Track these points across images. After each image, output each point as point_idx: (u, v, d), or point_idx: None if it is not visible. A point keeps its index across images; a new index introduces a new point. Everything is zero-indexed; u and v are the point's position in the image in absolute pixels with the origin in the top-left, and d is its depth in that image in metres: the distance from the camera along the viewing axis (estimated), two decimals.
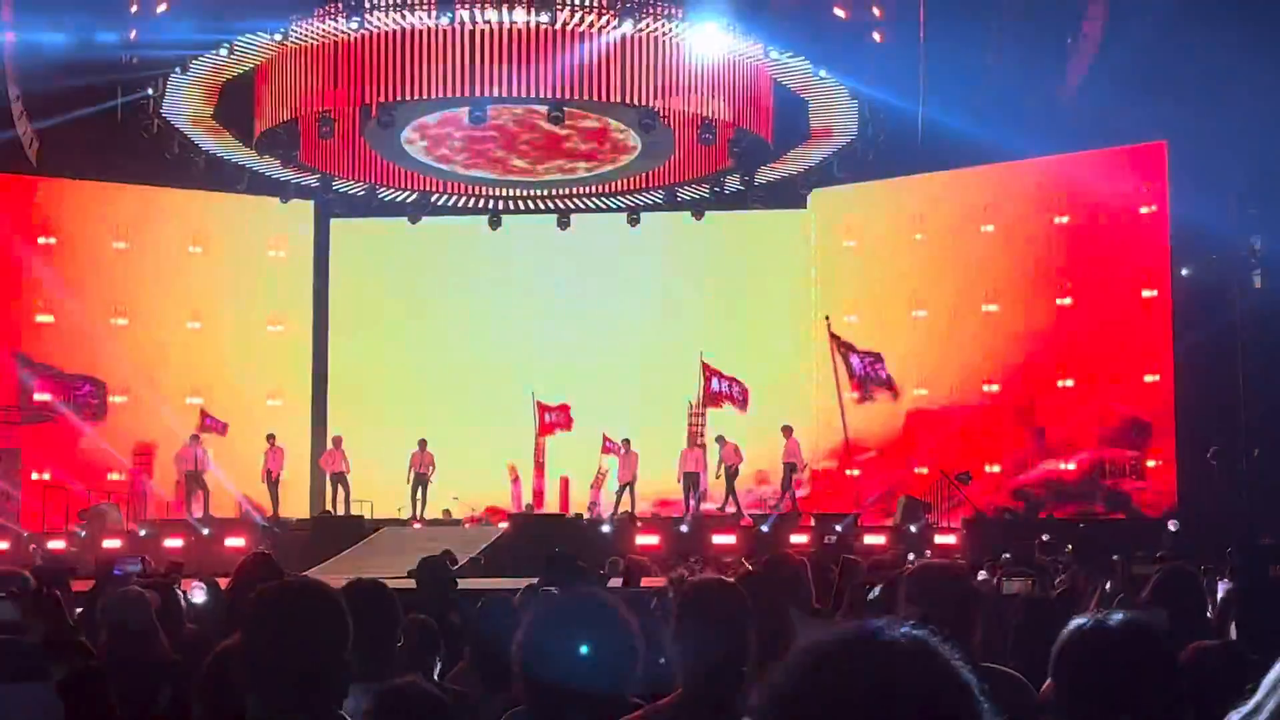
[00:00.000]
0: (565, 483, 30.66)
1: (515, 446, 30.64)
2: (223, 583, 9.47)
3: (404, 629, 5.21)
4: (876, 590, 6.86)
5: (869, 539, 24.06)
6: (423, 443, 29.85)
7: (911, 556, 14.57)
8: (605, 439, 30.23)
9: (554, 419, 30.69)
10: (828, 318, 31.83)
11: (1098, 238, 28.74)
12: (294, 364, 33.38)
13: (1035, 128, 27.56)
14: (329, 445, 30.61)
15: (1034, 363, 29.04)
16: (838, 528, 25.03)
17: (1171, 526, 22.89)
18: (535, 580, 10.70)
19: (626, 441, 29.37)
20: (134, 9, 25.53)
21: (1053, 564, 15.23)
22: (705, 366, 31.01)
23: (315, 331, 33.89)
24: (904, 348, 30.84)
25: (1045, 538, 20.50)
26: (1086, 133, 27.70)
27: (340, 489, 29.98)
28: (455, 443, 30.37)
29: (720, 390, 30.90)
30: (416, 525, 28.67)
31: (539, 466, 30.47)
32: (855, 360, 31.87)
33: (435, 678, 6.56)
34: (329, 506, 29.99)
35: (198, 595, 9.06)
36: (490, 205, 32.64)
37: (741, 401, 30.76)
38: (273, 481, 29.92)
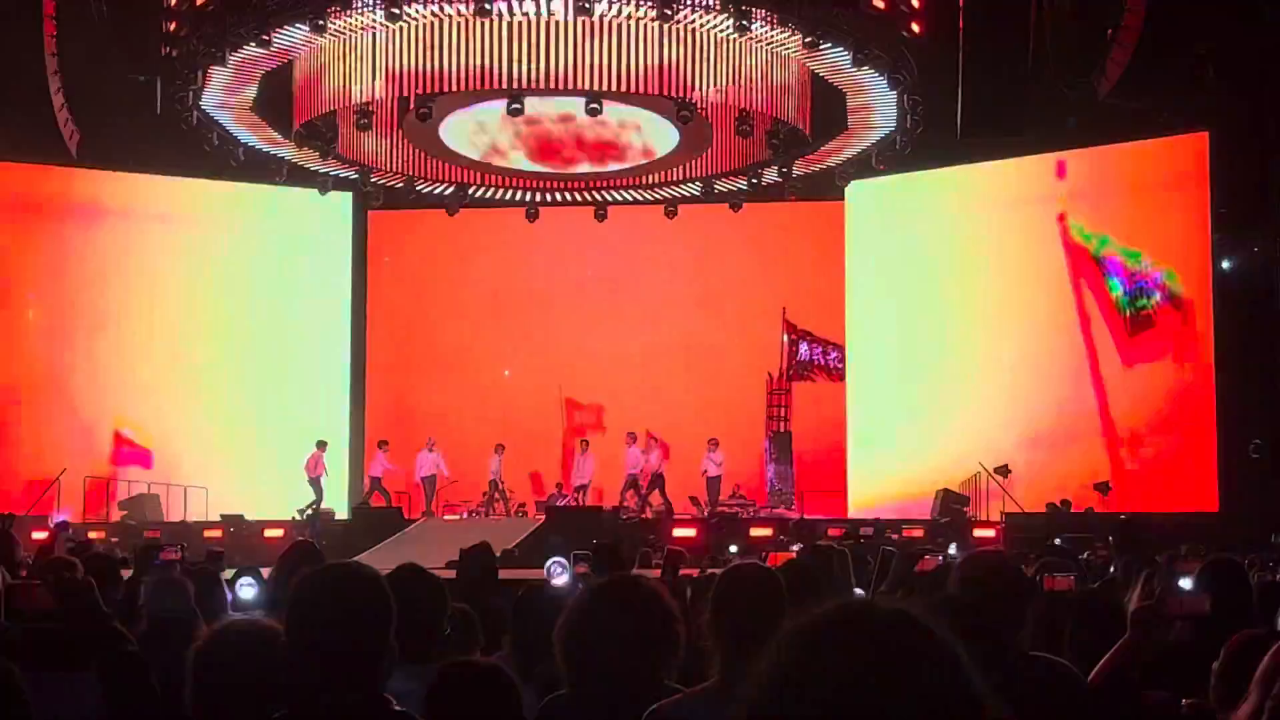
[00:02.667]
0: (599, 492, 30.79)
1: (549, 442, 30.72)
2: (265, 573, 9.51)
3: (451, 615, 5.22)
4: (923, 564, 6.84)
5: (906, 532, 23.98)
6: (431, 443, 30.12)
7: (953, 549, 14.52)
8: (647, 434, 30.33)
9: (584, 419, 30.75)
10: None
11: (1135, 229, 28.56)
12: (331, 359, 33.50)
13: (1076, 119, 27.45)
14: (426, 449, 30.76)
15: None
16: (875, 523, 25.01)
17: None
18: (559, 558, 10.78)
19: (631, 435, 29.59)
20: (172, 1, 25.62)
21: (1092, 559, 15.13)
22: (788, 326, 31.47)
23: (354, 320, 34.04)
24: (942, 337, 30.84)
25: (1057, 541, 20.37)
26: (1126, 125, 27.54)
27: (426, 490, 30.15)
28: (491, 438, 30.45)
29: (812, 359, 31.55)
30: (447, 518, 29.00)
31: (564, 466, 30.47)
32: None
33: None
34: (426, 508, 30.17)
35: (246, 591, 9.06)
36: (528, 197, 32.67)
37: (838, 373, 31.18)
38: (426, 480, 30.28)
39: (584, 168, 30.85)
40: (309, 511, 28.83)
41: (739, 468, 30.99)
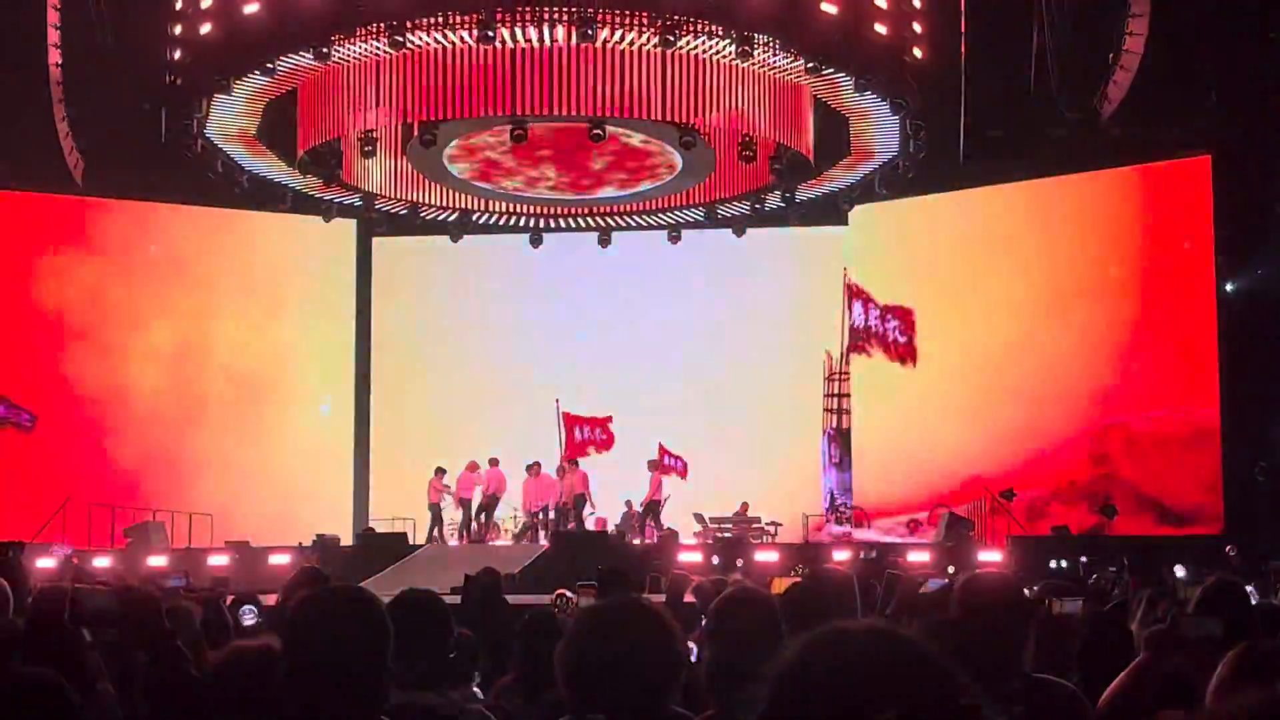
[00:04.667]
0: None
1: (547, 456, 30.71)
2: (271, 600, 9.50)
3: (455, 641, 5.22)
4: (928, 588, 6.83)
5: (913, 556, 23.93)
6: (495, 460, 29.91)
7: (951, 569, 14.47)
8: (663, 450, 30.31)
9: (588, 436, 30.53)
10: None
11: (1143, 254, 28.56)
12: (337, 379, 33.58)
13: (1077, 143, 27.50)
14: (465, 470, 30.28)
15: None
16: (879, 541, 25.01)
17: (1230, 551, 22.60)
18: (565, 590, 10.73)
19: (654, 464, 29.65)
20: (177, 30, 25.72)
21: (1105, 582, 15.12)
22: (851, 289, 32.11)
23: (358, 346, 34.12)
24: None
25: (1062, 564, 20.35)
26: (1127, 148, 27.59)
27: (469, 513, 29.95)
28: (496, 454, 30.44)
29: (868, 325, 31.40)
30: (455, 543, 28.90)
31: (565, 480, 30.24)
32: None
33: (475, 690, 6.57)
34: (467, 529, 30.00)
35: (248, 618, 9.06)
36: (532, 223, 32.72)
37: (900, 348, 31.30)
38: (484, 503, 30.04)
39: (608, 191, 30.89)
40: (471, 524, 29.39)
41: (776, 483, 31.04)
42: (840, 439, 32.01)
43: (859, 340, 32.25)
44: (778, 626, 4.42)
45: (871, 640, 1.86)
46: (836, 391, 32.52)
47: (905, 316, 31.52)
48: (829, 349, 32.59)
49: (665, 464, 30.33)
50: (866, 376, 32.21)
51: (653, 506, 29.40)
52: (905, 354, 31.57)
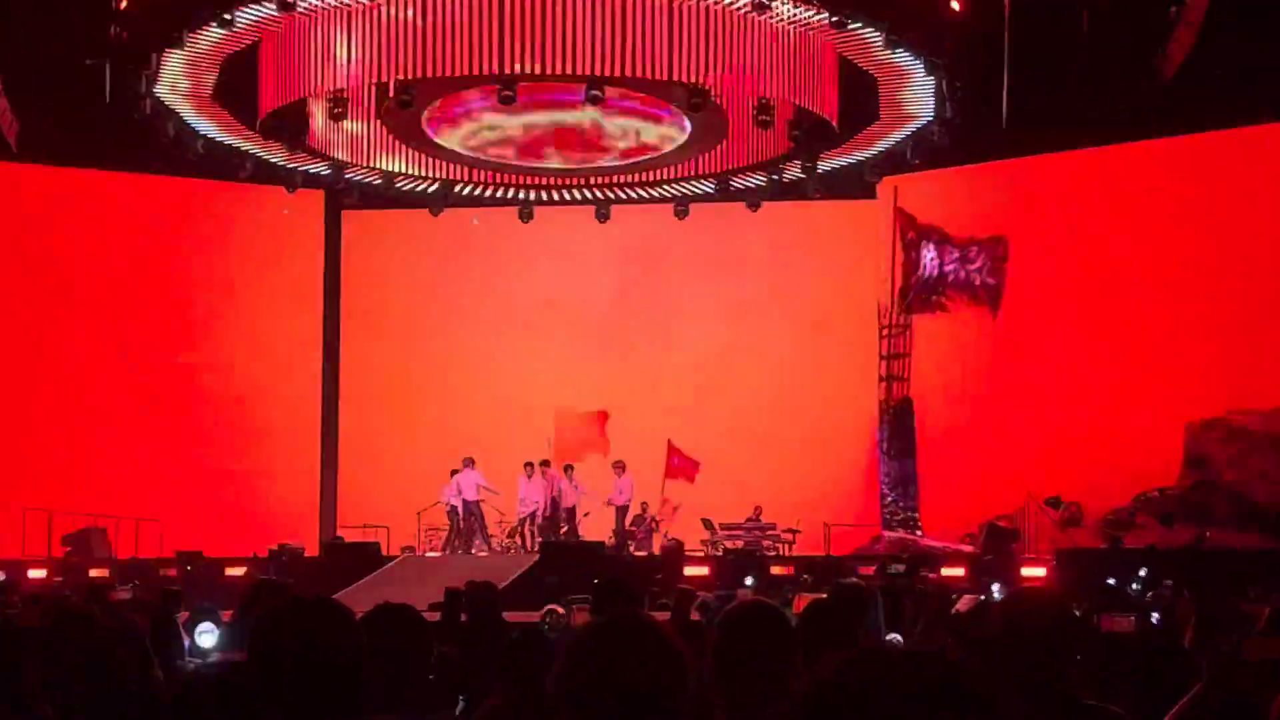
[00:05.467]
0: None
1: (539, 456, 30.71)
2: (225, 616, 9.53)
3: (436, 660, 5.23)
4: (959, 605, 6.86)
5: (946, 570, 23.98)
6: (471, 460, 29.75)
7: (996, 588, 14.54)
8: (672, 450, 30.38)
9: (580, 433, 30.68)
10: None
11: (1215, 231, 28.42)
12: (301, 372, 33.58)
13: (1137, 108, 27.42)
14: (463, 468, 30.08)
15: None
16: (905, 557, 25.04)
17: None
18: (556, 606, 10.76)
19: (619, 465, 29.56)
20: None
21: (1155, 599, 15.15)
22: (902, 219, 31.94)
23: (326, 332, 34.10)
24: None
25: (1110, 580, 20.40)
26: (1196, 112, 27.50)
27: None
28: (478, 457, 30.45)
29: (943, 274, 31.49)
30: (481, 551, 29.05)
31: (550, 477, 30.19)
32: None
33: (457, 714, 6.60)
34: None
35: (206, 639, 9.08)
36: (521, 195, 32.68)
37: (988, 292, 30.94)
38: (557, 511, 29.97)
39: (606, 160, 30.84)
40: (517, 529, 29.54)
41: (800, 483, 31.08)
42: (894, 419, 31.72)
43: (932, 294, 32.05)
44: (791, 644, 4.43)
45: (910, 663, 1.88)
46: (889, 352, 32.34)
47: (993, 252, 31.07)
48: (881, 301, 32.39)
49: (674, 465, 30.36)
50: (938, 335, 31.96)
51: (621, 514, 29.38)
52: (991, 300, 31.15)
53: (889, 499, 31.42)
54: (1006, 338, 30.88)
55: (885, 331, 32.42)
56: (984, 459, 29.98)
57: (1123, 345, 29.02)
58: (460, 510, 29.44)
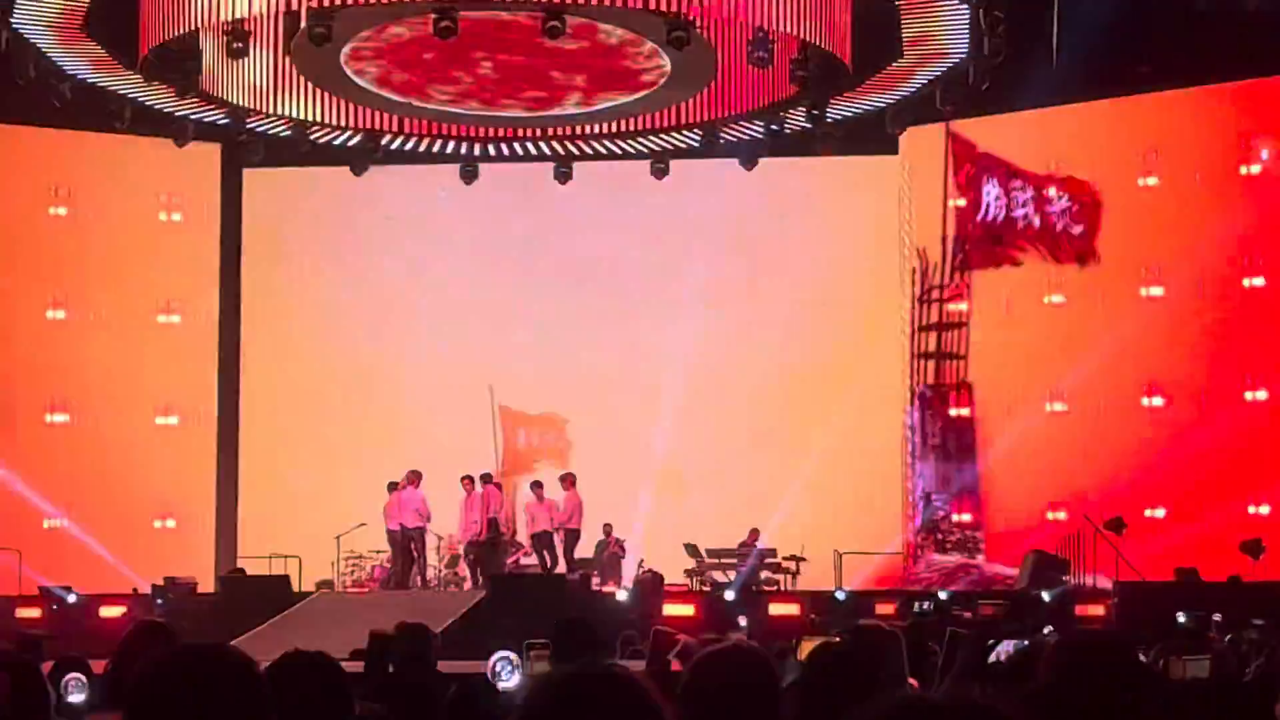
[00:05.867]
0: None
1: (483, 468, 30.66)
2: (99, 667, 9.50)
3: None
4: (999, 652, 6.87)
5: (984, 609, 24.02)
6: (415, 476, 29.50)
7: (1048, 632, 14.58)
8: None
9: (536, 439, 30.64)
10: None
11: None
12: (194, 367, 33.47)
13: (1213, 44, 27.49)
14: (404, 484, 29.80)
15: (1215, 364, 28.89)
16: (941, 595, 25.08)
17: None
18: (507, 652, 10.75)
19: (568, 479, 29.40)
20: None
21: (1244, 645, 15.19)
22: (957, 145, 31.45)
23: (223, 321, 33.98)
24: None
25: (1182, 618, 20.44)
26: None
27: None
28: (411, 465, 30.44)
29: (1010, 214, 31.02)
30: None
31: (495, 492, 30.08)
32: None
33: None
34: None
35: (74, 691, 9.03)
36: (463, 150, 32.61)
37: (1074, 243, 30.51)
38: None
39: (568, 107, 30.76)
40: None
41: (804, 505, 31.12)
42: (939, 401, 31.48)
43: (997, 242, 31.90)
44: (772, 695, 4.44)
45: (955, 716, 1.88)
46: (941, 321, 32.12)
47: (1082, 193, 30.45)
48: (921, 253, 32.03)
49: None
50: (1005, 295, 31.60)
51: (574, 539, 29.23)
52: (1080, 252, 30.67)
53: (940, 514, 31.12)
54: (1100, 298, 30.42)
55: (932, 295, 32.02)
56: (1069, 459, 29.94)
57: (1248, 318, 29.01)
58: (398, 537, 29.27)
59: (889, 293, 32.64)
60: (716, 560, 29.67)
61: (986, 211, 31.35)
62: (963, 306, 31.84)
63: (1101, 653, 4.90)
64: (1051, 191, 30.55)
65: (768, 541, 29.91)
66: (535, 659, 10.44)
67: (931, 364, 32.13)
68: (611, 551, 30.32)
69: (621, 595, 26.95)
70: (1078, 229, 30.48)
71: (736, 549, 29.78)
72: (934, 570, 30.16)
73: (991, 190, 31.28)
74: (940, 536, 31.19)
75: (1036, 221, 30.76)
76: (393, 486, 29.34)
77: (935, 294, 32.07)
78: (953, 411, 31.74)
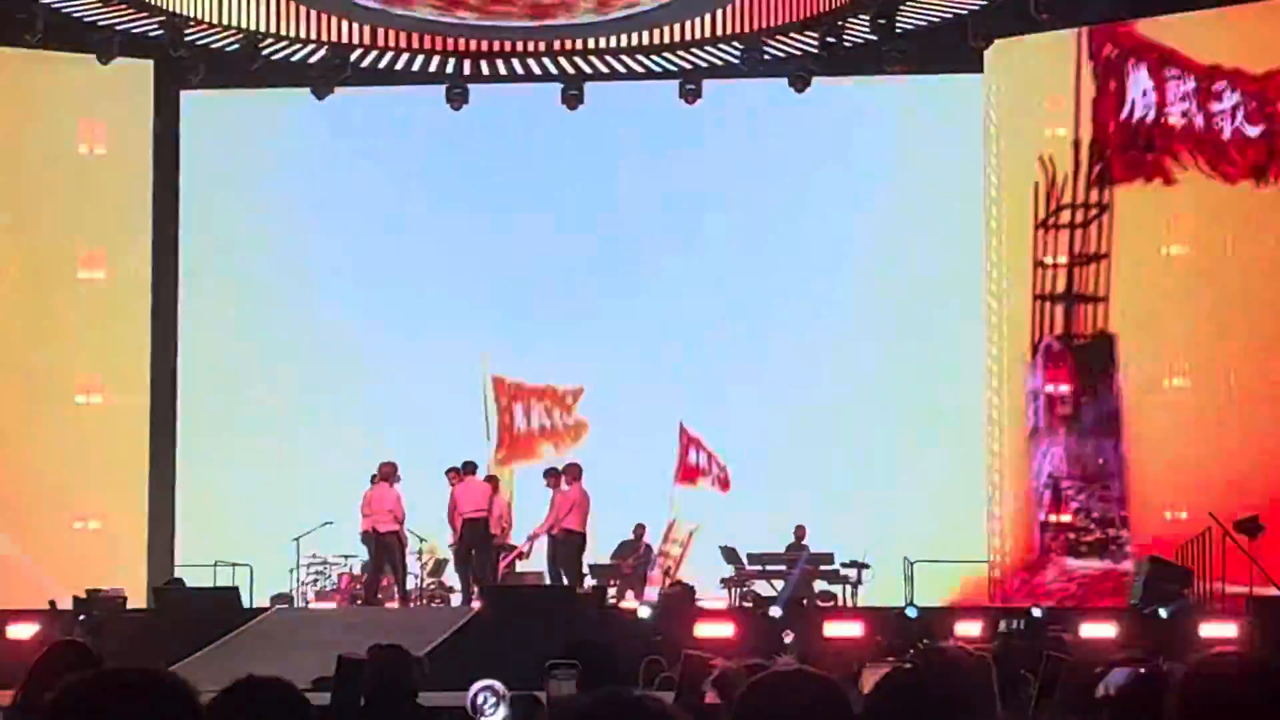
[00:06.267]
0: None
1: (469, 452, 30.63)
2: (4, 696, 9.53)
3: None
4: (1109, 683, 6.85)
5: (1088, 629, 24.00)
6: (389, 470, 29.38)
7: (1164, 663, 14.53)
8: (686, 439, 30.37)
9: (704, 467, 30.69)
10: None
11: None
12: (122, 334, 33.51)
13: None
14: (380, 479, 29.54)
15: None
16: (1035, 612, 25.06)
17: None
18: (491, 681, 10.77)
19: (569, 471, 29.16)
20: None
21: None
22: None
23: (156, 279, 33.99)
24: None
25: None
26: None
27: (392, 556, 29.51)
28: (385, 452, 30.49)
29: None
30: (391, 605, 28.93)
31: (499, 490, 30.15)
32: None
33: None
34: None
35: None
36: (450, 69, 32.61)
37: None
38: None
39: (579, 16, 30.73)
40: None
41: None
42: (1071, 358, 30.85)
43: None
44: None
45: None
46: (1072, 255, 30.92)
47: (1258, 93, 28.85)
48: (1046, 162, 30.90)
49: (689, 463, 30.40)
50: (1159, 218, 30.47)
51: (575, 542, 29.08)
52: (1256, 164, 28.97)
53: (1076, 504, 30.26)
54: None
55: (1060, 219, 31.00)
56: (1241, 433, 29.38)
57: None
58: (372, 541, 29.21)
59: (968, 242, 32.49)
60: (760, 567, 29.62)
61: (1132, 110, 30.07)
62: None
63: (1243, 684, 4.86)
64: (1222, 86, 29.08)
65: (821, 546, 29.86)
66: (560, 681, 10.42)
67: (1061, 309, 31.06)
68: (639, 558, 30.29)
69: (644, 612, 26.91)
70: (1254, 130, 29.08)
71: (785, 554, 29.74)
72: (1071, 578, 29.49)
73: (1139, 82, 29.93)
74: (1074, 537, 30.30)
75: (1199, 122, 29.32)
76: (389, 475, 29.13)
77: (1065, 217, 31.04)
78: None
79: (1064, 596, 29.19)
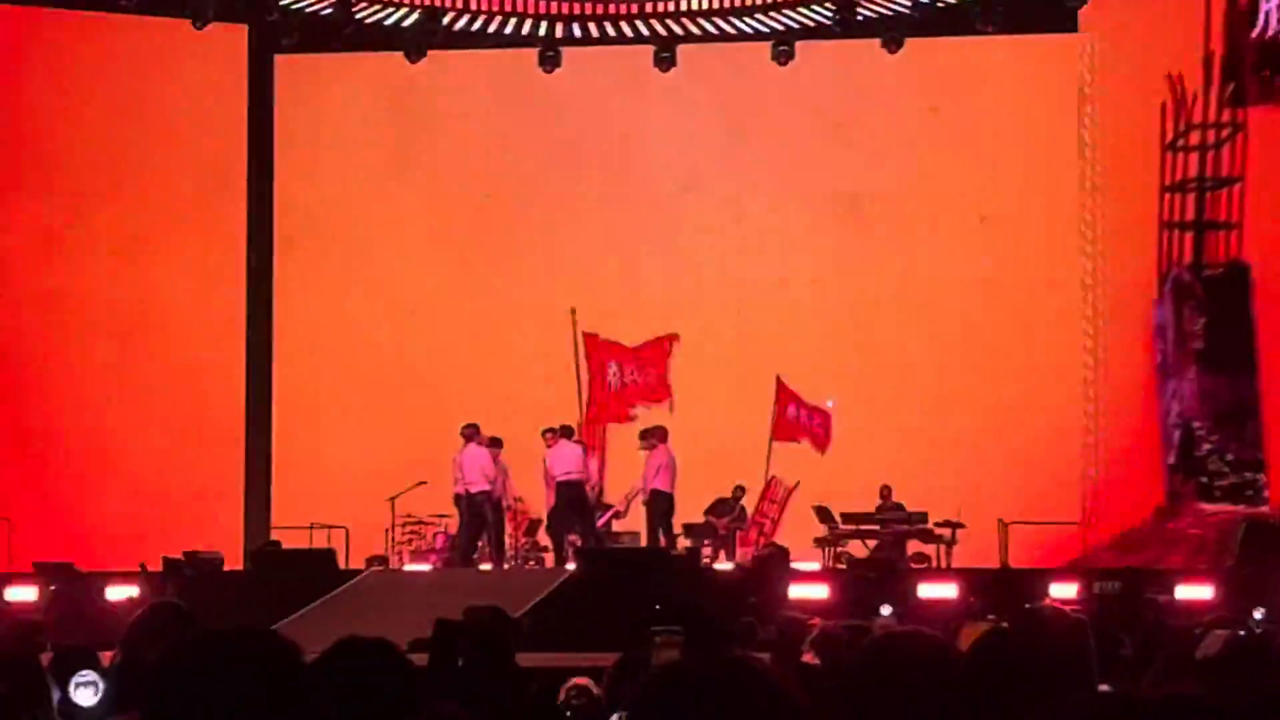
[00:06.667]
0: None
1: (563, 415, 30.61)
2: (106, 657, 9.59)
3: None
4: (1206, 646, 6.82)
5: (1184, 590, 23.85)
6: (473, 430, 29.38)
7: (1260, 614, 14.50)
8: (785, 393, 30.26)
9: (803, 421, 30.54)
10: None
11: None
12: (214, 295, 33.57)
13: None
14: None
15: None
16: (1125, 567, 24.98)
17: None
18: (626, 654, 10.71)
19: (655, 433, 29.11)
20: None
21: None
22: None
23: (250, 242, 34.07)
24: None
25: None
26: None
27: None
28: (476, 413, 30.51)
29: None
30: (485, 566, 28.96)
31: (592, 451, 30.16)
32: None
33: None
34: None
35: (85, 695, 9.10)
36: (542, 31, 32.60)
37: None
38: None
39: None
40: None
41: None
42: (1201, 290, 30.11)
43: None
44: (972, 697, 4.41)
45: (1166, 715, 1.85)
46: (1200, 178, 29.96)
47: None
48: (1175, 81, 29.94)
49: (788, 416, 30.31)
50: None
51: (662, 504, 29.02)
52: None
53: (1209, 446, 29.23)
54: None
55: (1190, 141, 30.11)
56: None
57: None
58: (464, 503, 29.22)
59: (1063, 202, 32.30)
60: (854, 527, 29.51)
61: (1266, 23, 28.67)
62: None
63: None
64: None
65: (913, 504, 29.72)
66: (664, 647, 10.39)
67: (1190, 237, 30.17)
68: (734, 519, 30.25)
69: (738, 573, 26.90)
70: None
71: (876, 512, 29.62)
72: (1207, 523, 28.38)
73: None
74: (1207, 480, 29.22)
75: None
76: (472, 436, 29.08)
77: (1196, 138, 30.05)
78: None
79: (1197, 542, 28.14)
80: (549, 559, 29.96)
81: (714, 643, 9.78)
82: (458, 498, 29.14)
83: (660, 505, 28.68)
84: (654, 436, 28.79)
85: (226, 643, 3.71)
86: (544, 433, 29.05)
